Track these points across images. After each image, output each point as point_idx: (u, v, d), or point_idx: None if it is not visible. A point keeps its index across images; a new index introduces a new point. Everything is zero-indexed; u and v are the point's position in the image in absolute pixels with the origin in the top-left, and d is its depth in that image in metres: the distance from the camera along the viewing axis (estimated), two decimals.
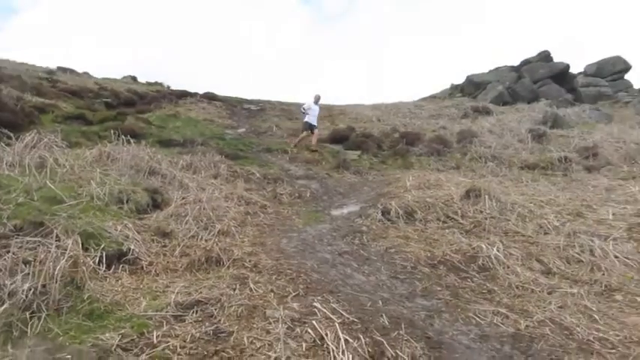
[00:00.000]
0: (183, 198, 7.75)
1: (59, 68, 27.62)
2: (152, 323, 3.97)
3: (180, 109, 19.67)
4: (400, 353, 3.67)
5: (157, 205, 7.50)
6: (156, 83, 29.38)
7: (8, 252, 4.33)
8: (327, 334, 3.81)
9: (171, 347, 3.61)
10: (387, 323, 4.17)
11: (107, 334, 3.70)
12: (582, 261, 6.20)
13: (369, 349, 3.69)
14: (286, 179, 11.14)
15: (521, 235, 7.09)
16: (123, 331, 3.78)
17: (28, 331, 3.63)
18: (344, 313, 4.24)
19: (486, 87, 26.82)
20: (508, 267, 5.97)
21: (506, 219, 7.63)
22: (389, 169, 13.52)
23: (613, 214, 7.73)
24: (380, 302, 4.77)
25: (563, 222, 7.42)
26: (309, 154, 14.58)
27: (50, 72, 24.99)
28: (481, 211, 7.89)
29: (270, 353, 3.56)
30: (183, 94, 23.26)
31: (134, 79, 30.44)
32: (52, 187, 6.59)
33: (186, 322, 4.06)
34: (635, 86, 27.39)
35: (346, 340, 3.72)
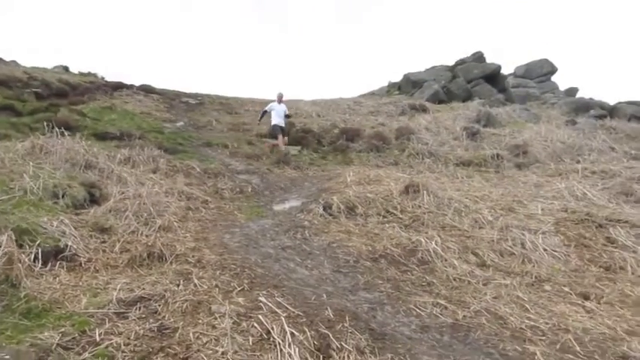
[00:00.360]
0: (122, 193, 7.56)
1: None
2: (94, 321, 3.88)
3: (115, 102, 19.02)
4: (345, 345, 3.76)
5: (94, 200, 7.28)
6: (89, 74, 28.27)
7: None
8: (273, 328, 3.85)
9: (114, 345, 3.55)
10: (331, 316, 4.25)
11: (46, 333, 3.59)
12: (514, 254, 6.54)
13: (315, 342, 3.76)
14: (227, 174, 11.03)
15: (457, 229, 7.37)
16: (63, 329, 3.68)
17: None
18: (289, 307, 4.29)
19: (422, 85, 27.41)
20: (446, 260, 6.21)
21: (444, 214, 7.90)
22: (329, 165, 13.63)
23: (542, 209, 8.17)
24: (324, 296, 4.85)
25: (496, 217, 7.77)
26: (250, 148, 14.49)
27: None
28: (419, 206, 8.13)
29: (217, 348, 3.56)
30: (118, 86, 22.48)
31: (66, 68, 29.15)
32: None
33: (130, 318, 4.00)
34: (561, 88, 28.84)
35: (292, 334, 3.78)
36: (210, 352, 3.52)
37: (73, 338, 3.59)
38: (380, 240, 6.84)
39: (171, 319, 4.00)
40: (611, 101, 23.89)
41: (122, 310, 4.11)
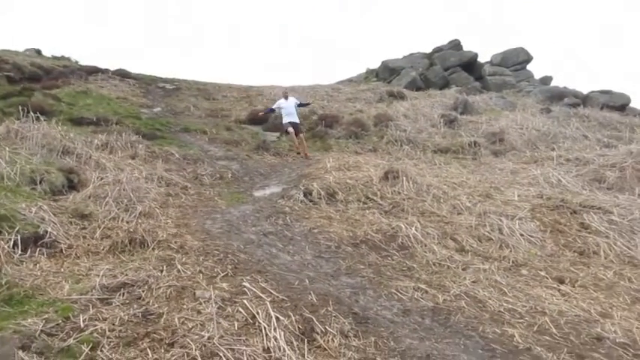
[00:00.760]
0: (101, 179, 7.47)
1: None
2: (77, 307, 3.88)
3: (90, 86, 18.64)
4: (329, 329, 3.83)
5: (73, 186, 7.19)
6: (63, 57, 27.62)
7: None
8: (258, 313, 3.89)
9: (99, 331, 3.56)
10: (315, 301, 4.31)
11: (29, 320, 3.58)
12: (492, 239, 6.69)
13: (300, 326, 3.82)
14: (206, 160, 10.96)
15: (436, 215, 7.48)
16: (46, 316, 3.67)
17: None
18: (273, 292, 4.34)
19: (400, 72, 27.46)
20: (425, 245, 6.31)
21: (423, 200, 8.01)
22: (308, 151, 13.63)
23: (518, 196, 8.34)
24: (307, 281, 4.90)
25: (474, 203, 7.91)
26: (228, 134, 14.40)
27: None
28: (399, 193, 8.22)
29: (202, 333, 3.59)
30: (93, 70, 22.00)
31: (38, 52, 28.38)
32: None
33: (114, 304, 4.00)
34: (536, 76, 29.16)
35: (277, 318, 3.83)
36: (197, 337, 3.54)
37: (57, 324, 3.58)
38: (360, 226, 6.90)
39: (156, 305, 4.01)
40: (584, 90, 24.27)
41: (106, 296, 4.11)
